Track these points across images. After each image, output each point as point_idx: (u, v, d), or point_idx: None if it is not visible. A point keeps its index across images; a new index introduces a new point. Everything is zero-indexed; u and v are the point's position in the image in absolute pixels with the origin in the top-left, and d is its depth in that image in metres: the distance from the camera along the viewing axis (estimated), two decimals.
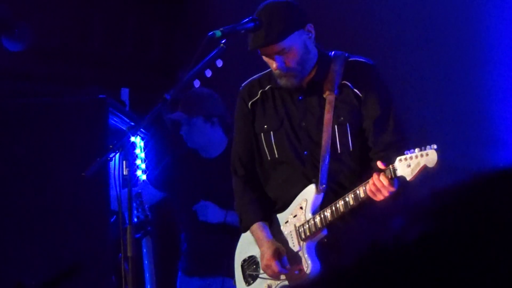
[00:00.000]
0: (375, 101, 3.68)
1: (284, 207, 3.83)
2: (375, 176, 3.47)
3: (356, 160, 3.68)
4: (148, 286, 5.22)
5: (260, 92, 3.88)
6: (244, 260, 3.96)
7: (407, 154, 3.42)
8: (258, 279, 3.88)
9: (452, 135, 5.39)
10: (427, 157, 3.38)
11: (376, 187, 3.46)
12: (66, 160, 5.02)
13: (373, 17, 5.82)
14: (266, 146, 3.84)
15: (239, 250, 4.02)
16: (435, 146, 3.39)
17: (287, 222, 3.80)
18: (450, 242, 1.14)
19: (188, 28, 6.78)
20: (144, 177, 5.66)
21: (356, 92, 3.70)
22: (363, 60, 3.78)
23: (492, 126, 5.27)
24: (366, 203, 3.57)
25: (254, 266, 3.91)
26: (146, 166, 5.69)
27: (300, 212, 3.74)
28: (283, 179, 3.82)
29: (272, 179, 3.87)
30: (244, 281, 3.95)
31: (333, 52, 3.80)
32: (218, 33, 3.56)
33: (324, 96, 3.72)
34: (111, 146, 3.65)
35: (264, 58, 3.73)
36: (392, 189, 3.46)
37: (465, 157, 5.04)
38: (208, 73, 3.79)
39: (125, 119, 5.52)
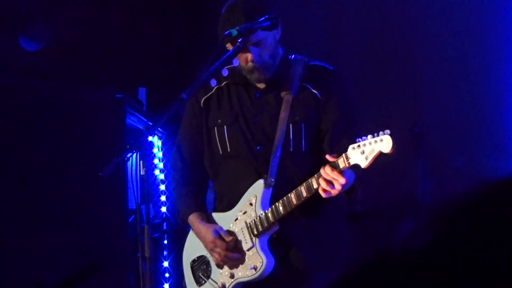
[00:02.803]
0: (335, 105, 3.69)
1: (232, 204, 3.80)
2: (322, 168, 3.45)
3: (308, 159, 3.67)
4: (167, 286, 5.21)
5: (215, 88, 3.87)
6: (194, 261, 3.91)
7: (359, 141, 3.38)
8: (210, 280, 3.83)
9: (462, 142, 5.36)
10: (382, 142, 3.33)
11: (327, 179, 3.43)
12: (84, 160, 5.03)
13: (372, 18, 5.80)
14: (219, 140, 3.83)
15: (187, 250, 3.96)
16: (388, 132, 3.34)
17: (236, 219, 3.77)
18: (457, 249, 1.13)
19: (205, 26, 6.77)
20: (162, 176, 5.65)
21: (314, 93, 3.71)
22: (324, 65, 3.80)
23: (503, 134, 5.23)
24: (315, 202, 3.54)
25: (205, 266, 3.86)
26: (164, 165, 5.68)
27: (250, 208, 3.72)
28: (234, 174, 3.80)
29: (222, 174, 3.85)
30: (195, 281, 3.89)
31: (293, 56, 3.81)
32: (234, 32, 3.55)
33: (282, 95, 3.73)
34: (128, 146, 3.64)
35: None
36: (342, 179, 3.40)
37: (474, 164, 5.01)
38: (225, 72, 3.78)
39: (142, 118, 5.52)
